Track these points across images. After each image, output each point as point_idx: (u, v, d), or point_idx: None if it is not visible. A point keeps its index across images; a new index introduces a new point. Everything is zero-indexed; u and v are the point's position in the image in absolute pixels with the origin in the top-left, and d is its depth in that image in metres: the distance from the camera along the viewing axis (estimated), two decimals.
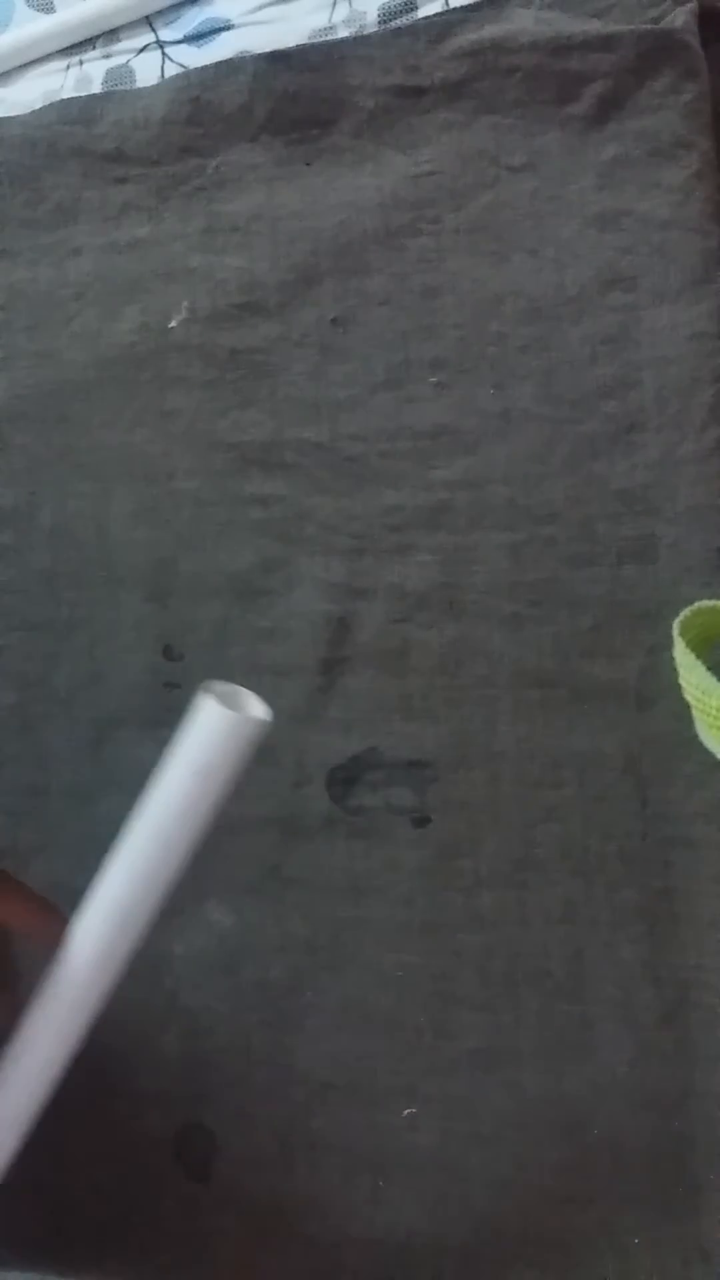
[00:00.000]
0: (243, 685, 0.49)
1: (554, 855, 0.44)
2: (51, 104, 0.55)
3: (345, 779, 0.47)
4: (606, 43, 0.45)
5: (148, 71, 0.55)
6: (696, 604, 0.38)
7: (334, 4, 0.52)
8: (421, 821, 0.46)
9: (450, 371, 0.47)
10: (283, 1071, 0.47)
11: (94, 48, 0.57)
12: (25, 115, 0.55)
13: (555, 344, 0.46)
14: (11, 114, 0.56)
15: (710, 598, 0.39)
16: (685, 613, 0.38)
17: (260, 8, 0.53)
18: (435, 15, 0.49)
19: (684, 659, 0.37)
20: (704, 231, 0.45)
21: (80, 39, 0.57)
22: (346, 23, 0.51)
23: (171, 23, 0.55)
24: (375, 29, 0.50)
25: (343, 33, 0.51)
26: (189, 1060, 0.48)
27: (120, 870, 0.35)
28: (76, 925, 0.35)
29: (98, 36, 0.57)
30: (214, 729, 0.34)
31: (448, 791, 0.46)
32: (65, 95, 0.56)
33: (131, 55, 0.56)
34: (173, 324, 0.51)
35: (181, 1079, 0.48)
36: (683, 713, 0.38)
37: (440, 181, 0.48)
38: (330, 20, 0.52)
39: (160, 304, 0.51)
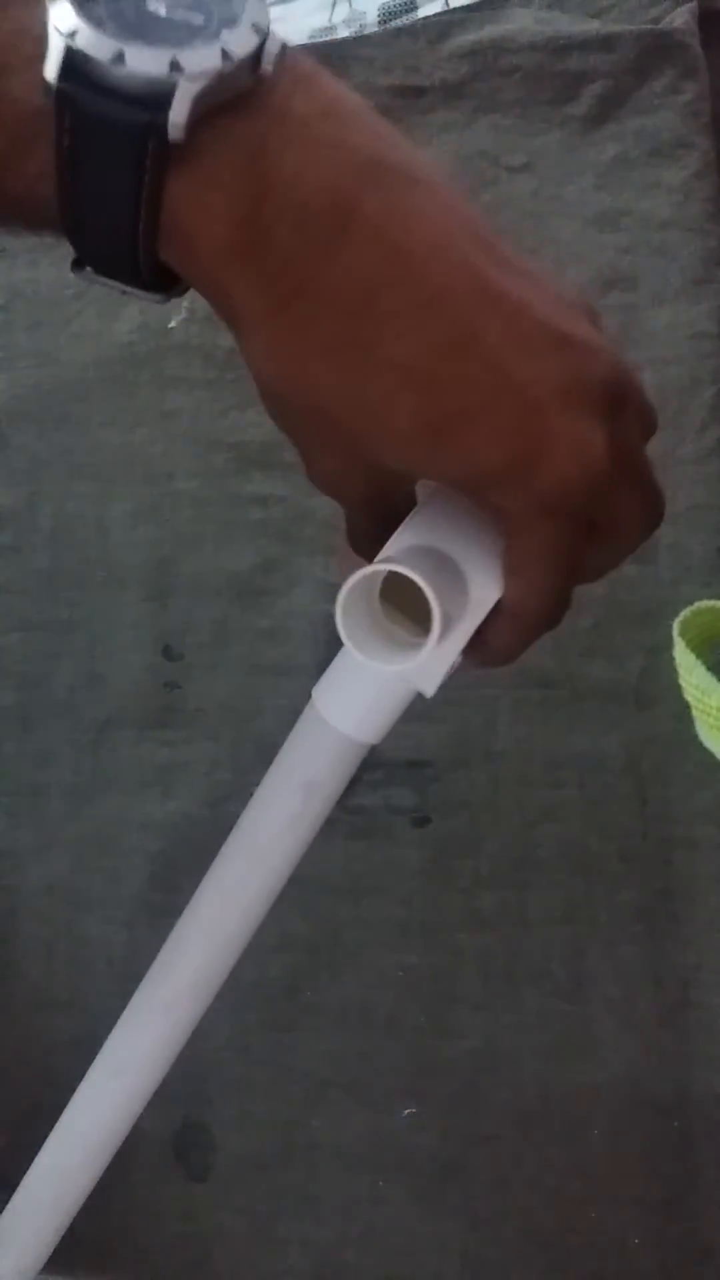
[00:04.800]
0: (243, 685, 0.49)
1: (554, 855, 0.44)
2: None
3: None
4: (606, 43, 0.45)
5: None
6: (696, 604, 0.38)
7: (334, 4, 0.52)
8: (421, 821, 0.46)
9: None
10: (283, 1071, 0.47)
11: None
12: None
13: None
14: None
15: (710, 598, 0.39)
16: (685, 613, 0.38)
17: None
18: (435, 15, 0.49)
19: (684, 659, 0.37)
20: (704, 231, 0.45)
21: None
22: (346, 23, 0.51)
23: None
24: (375, 29, 0.50)
25: (343, 33, 0.51)
26: (189, 1060, 0.48)
27: (219, 888, 0.32)
28: (169, 949, 0.33)
29: None
30: (323, 744, 0.30)
31: (448, 791, 0.46)
32: None
33: None
34: (172, 324, 0.51)
35: (181, 1079, 0.48)
36: (683, 713, 0.38)
37: None
38: (330, 20, 0.52)
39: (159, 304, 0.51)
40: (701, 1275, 0.41)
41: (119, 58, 0.19)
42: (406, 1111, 0.45)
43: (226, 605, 0.49)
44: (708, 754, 0.37)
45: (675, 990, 0.42)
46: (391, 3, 0.50)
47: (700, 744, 0.38)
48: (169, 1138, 0.48)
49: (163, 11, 0.20)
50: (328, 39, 0.51)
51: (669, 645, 0.37)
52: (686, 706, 0.37)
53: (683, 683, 0.37)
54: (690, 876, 0.43)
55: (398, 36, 0.49)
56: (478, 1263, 0.43)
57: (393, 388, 0.22)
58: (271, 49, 0.21)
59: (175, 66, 0.19)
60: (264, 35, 0.20)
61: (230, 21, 0.20)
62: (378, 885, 0.46)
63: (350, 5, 0.52)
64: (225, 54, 0.19)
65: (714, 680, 0.36)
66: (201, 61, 0.19)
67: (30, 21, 0.20)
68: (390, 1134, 0.45)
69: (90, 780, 0.50)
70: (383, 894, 0.46)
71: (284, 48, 0.21)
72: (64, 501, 0.52)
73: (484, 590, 0.25)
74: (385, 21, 0.51)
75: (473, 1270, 0.43)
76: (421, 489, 0.28)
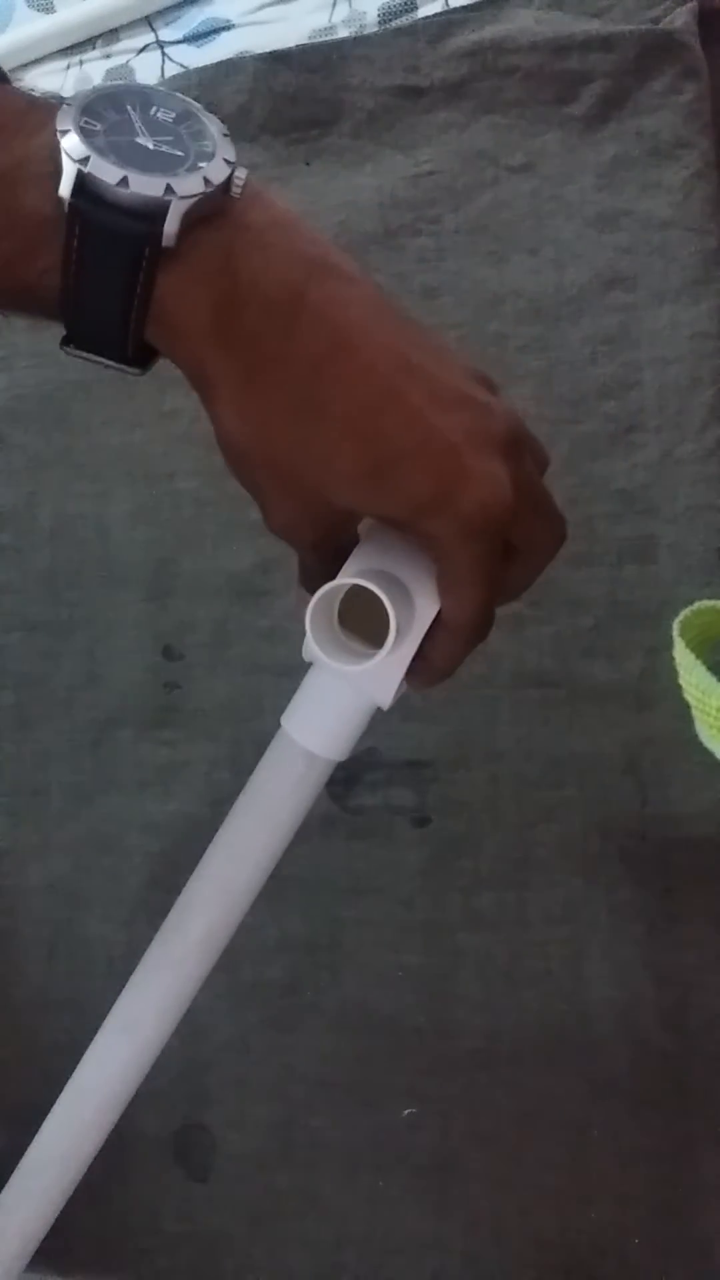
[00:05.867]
0: (243, 685, 0.49)
1: (554, 855, 0.44)
2: None
3: (345, 779, 0.47)
4: (606, 43, 0.45)
5: (148, 71, 0.55)
6: (696, 604, 0.38)
7: (334, 4, 0.52)
8: (421, 821, 0.46)
9: None
10: (282, 1071, 0.47)
11: (94, 48, 0.57)
12: None
13: (555, 344, 0.46)
14: None
15: (710, 598, 0.39)
16: (685, 613, 0.38)
17: (260, 8, 0.53)
18: (435, 15, 0.49)
19: (684, 659, 0.37)
20: (704, 231, 0.45)
21: (80, 39, 0.57)
22: (346, 23, 0.51)
23: (171, 23, 0.55)
24: (375, 29, 0.51)
25: (343, 33, 0.51)
26: (189, 1060, 0.48)
27: (227, 849, 0.34)
28: (180, 907, 0.34)
29: (98, 36, 0.57)
30: (290, 761, 0.33)
31: (448, 791, 0.46)
32: (65, 95, 0.56)
33: (131, 55, 0.56)
34: None
35: (181, 1079, 0.48)
36: (683, 713, 0.38)
37: (440, 181, 0.48)
38: (330, 20, 0.52)
39: None
40: (701, 1275, 0.41)
41: (124, 181, 0.24)
42: (406, 1111, 0.45)
43: (226, 605, 0.49)
44: (708, 754, 0.37)
45: (675, 990, 0.42)
46: (391, 3, 0.51)
47: (700, 744, 0.38)
48: (169, 1138, 0.48)
49: (150, 145, 0.26)
50: (328, 39, 0.51)
51: (669, 645, 0.37)
52: (686, 706, 0.37)
53: (683, 683, 0.37)
54: (690, 876, 0.43)
55: (398, 36, 0.49)
56: (478, 1263, 0.43)
57: (338, 438, 0.27)
58: (239, 176, 0.26)
59: (169, 190, 0.24)
60: (233, 166, 0.26)
61: (206, 156, 0.26)
62: (378, 885, 0.46)
63: (350, 5, 0.52)
64: (206, 180, 0.25)
65: (714, 680, 0.36)
66: (189, 186, 0.25)
67: (36, 148, 0.25)
68: (390, 1134, 0.45)
69: (90, 780, 0.50)
70: (383, 894, 0.46)
71: (246, 174, 0.26)
72: (64, 501, 0.52)
73: (426, 603, 0.29)
74: (385, 21, 0.51)
75: (473, 1270, 0.43)
76: (363, 530, 0.32)
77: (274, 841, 0.33)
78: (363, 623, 0.30)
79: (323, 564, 0.31)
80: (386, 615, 0.27)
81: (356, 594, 0.29)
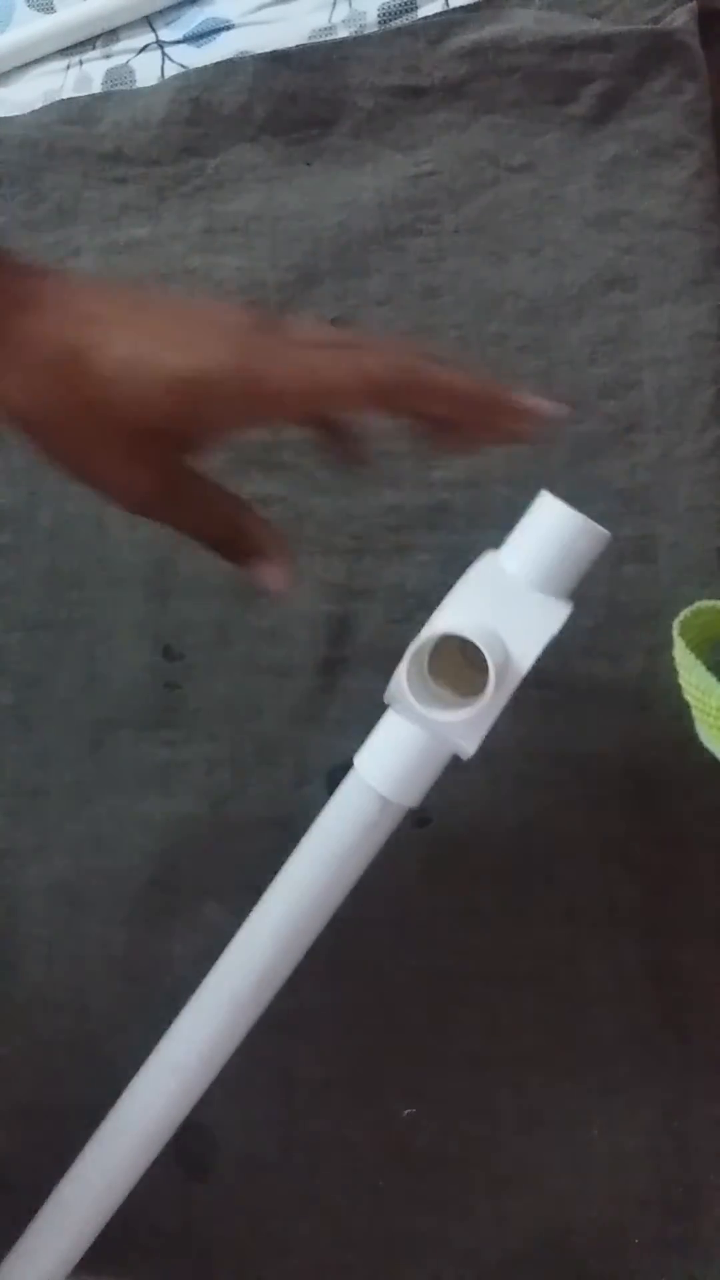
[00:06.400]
0: (243, 685, 0.49)
1: (554, 855, 0.44)
2: (51, 104, 0.55)
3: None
4: (606, 43, 0.45)
5: (148, 71, 0.55)
6: (696, 604, 0.38)
7: (334, 4, 0.52)
8: (421, 822, 0.46)
9: None
10: (283, 1071, 0.47)
11: (94, 48, 0.57)
12: (25, 115, 0.55)
13: (555, 344, 0.46)
14: (11, 114, 0.56)
15: (710, 598, 0.39)
16: (685, 613, 0.38)
17: (260, 8, 0.53)
18: (435, 15, 0.49)
19: (684, 659, 0.37)
20: (704, 231, 0.45)
21: (80, 39, 0.57)
22: (346, 23, 0.51)
23: (171, 23, 0.55)
24: (375, 29, 0.51)
25: (343, 33, 0.51)
26: None
27: (290, 890, 0.35)
28: (236, 953, 0.35)
29: (98, 36, 0.57)
30: (364, 807, 0.34)
31: (448, 791, 0.46)
32: (65, 95, 0.56)
33: (131, 55, 0.56)
34: None
35: None
36: (683, 713, 0.38)
37: (440, 181, 0.48)
38: (330, 20, 0.52)
39: None
40: (701, 1275, 0.41)
41: None
42: (406, 1111, 0.45)
43: (226, 605, 0.49)
44: (708, 754, 0.37)
45: (675, 990, 0.42)
46: (391, 3, 0.51)
47: (700, 744, 0.38)
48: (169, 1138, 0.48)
49: None
50: (328, 39, 0.51)
51: (669, 645, 0.37)
52: (686, 706, 0.37)
53: (683, 683, 0.37)
54: (690, 876, 0.43)
55: (398, 36, 0.49)
56: (478, 1263, 0.43)
57: (118, 351, 0.30)
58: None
59: None
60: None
61: None
62: (377, 885, 0.46)
63: (350, 5, 0.52)
64: None
65: (714, 680, 0.36)
66: None
67: None
68: (390, 1134, 0.45)
69: (90, 780, 0.50)
70: (383, 894, 0.46)
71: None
72: (64, 501, 0.52)
73: (522, 650, 0.29)
74: (385, 21, 0.51)
75: (473, 1270, 0.43)
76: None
77: (338, 886, 0.33)
78: (446, 667, 0.30)
79: (203, 526, 0.35)
80: (484, 663, 0.28)
81: (442, 640, 0.29)
